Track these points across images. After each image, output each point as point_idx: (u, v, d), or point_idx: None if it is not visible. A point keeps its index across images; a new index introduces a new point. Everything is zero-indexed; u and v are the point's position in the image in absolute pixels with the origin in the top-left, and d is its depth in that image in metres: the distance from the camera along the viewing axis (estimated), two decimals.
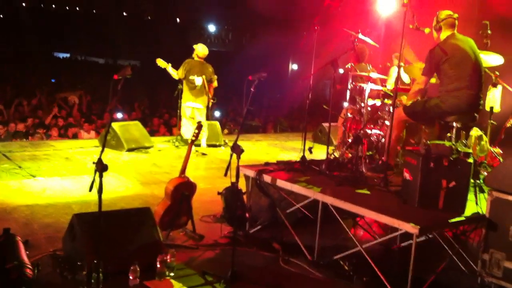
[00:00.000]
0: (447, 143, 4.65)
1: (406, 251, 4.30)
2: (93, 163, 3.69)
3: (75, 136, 11.22)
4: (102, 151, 3.83)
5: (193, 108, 9.11)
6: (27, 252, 4.06)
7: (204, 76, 9.03)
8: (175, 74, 9.07)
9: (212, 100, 9.29)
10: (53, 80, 22.82)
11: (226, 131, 12.76)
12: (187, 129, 9.17)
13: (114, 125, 9.01)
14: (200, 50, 9.14)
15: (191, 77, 8.96)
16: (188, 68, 8.98)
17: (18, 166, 7.33)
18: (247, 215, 5.12)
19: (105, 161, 3.65)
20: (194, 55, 9.15)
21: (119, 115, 12.43)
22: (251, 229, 5.40)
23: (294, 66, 27.16)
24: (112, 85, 4.15)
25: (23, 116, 12.28)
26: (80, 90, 16.25)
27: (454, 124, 5.24)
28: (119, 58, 35.23)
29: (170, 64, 9.05)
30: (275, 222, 5.37)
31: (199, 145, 9.17)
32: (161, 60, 9.03)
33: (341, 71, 7.03)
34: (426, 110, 5.39)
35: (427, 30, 5.64)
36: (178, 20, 39.38)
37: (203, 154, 9.04)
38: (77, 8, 41.37)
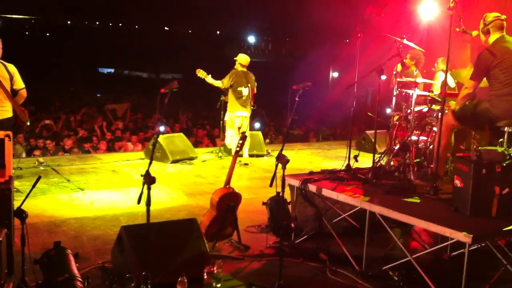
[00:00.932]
0: (499, 149, 4.49)
1: (458, 261, 4.17)
2: (141, 175, 3.71)
3: (121, 149, 11.45)
4: (150, 164, 3.86)
5: (242, 117, 9.15)
6: (77, 265, 4.12)
7: (249, 85, 9.10)
8: (218, 83, 9.12)
9: (252, 107, 9.32)
10: (98, 95, 23.42)
11: (267, 140, 12.76)
12: (232, 139, 9.19)
13: (159, 137, 9.12)
14: (243, 58, 9.21)
15: (239, 89, 9.03)
16: (236, 79, 9.04)
17: (66, 179, 7.50)
18: (292, 225, 5.07)
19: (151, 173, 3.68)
20: (237, 65, 9.20)
21: (162, 128, 12.59)
22: (296, 239, 5.35)
23: (335, 74, 27.02)
24: (159, 99, 4.18)
25: (71, 131, 12.61)
26: (126, 103, 16.61)
27: (506, 128, 5.06)
28: (162, 72, 35.88)
29: (210, 75, 9.13)
30: (320, 232, 5.30)
31: (241, 155, 9.19)
32: (201, 71, 9.11)
33: (383, 77, 6.92)
34: (476, 115, 5.23)
35: (474, 33, 5.50)
36: (218, 32, 39.84)
37: (245, 164, 9.05)
38: (120, 24, 42.40)
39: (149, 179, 3.63)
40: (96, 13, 38.90)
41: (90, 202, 6.45)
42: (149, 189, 3.64)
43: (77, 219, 5.76)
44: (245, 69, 9.21)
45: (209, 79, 9.13)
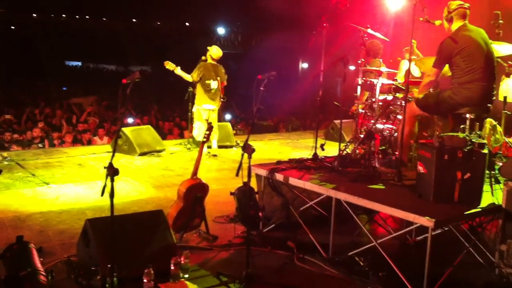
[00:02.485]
0: (461, 135, 4.57)
1: (422, 245, 4.24)
2: (104, 167, 3.68)
3: (89, 143, 11.30)
4: (113, 155, 3.83)
5: (209, 110, 9.09)
6: (41, 259, 4.06)
7: (219, 78, 9.04)
8: (187, 76, 9.04)
9: (222, 99, 9.28)
10: (64, 88, 23.02)
11: (234, 131, 12.76)
12: (200, 132, 9.14)
13: (126, 130, 9.03)
14: (215, 52, 9.11)
15: (207, 82, 8.95)
16: (204, 72, 8.96)
17: (31, 174, 7.37)
18: (260, 214, 5.08)
19: (117, 166, 3.64)
20: (207, 56, 9.12)
21: (130, 120, 12.47)
22: (264, 228, 5.37)
23: (304, 65, 27.15)
24: (121, 90, 4.12)
25: (35, 124, 12.38)
26: (93, 96, 16.38)
27: (468, 115, 5.16)
28: (130, 64, 35.43)
29: (179, 67, 9.05)
30: (289, 221, 5.33)
31: (210, 147, 9.17)
32: (169, 63, 9.03)
33: (352, 68, 6.97)
34: (439, 103, 5.32)
35: (437, 23, 5.57)
36: (187, 24, 39.52)
37: (214, 155, 9.03)
38: (87, 17, 41.68)
39: (112, 171, 3.59)
40: (62, 6, 38.13)
41: (55, 196, 6.35)
42: (112, 180, 3.60)
43: (43, 214, 5.67)
44: (214, 62, 9.13)
45: (178, 71, 9.04)
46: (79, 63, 39.49)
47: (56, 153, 9.03)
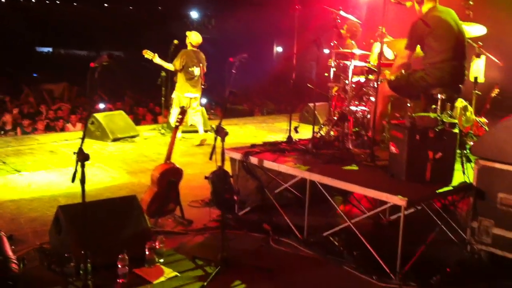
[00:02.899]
0: (432, 115, 4.62)
1: (396, 224, 4.29)
2: (74, 153, 3.62)
3: (62, 130, 11.13)
4: (83, 140, 3.77)
5: (190, 98, 8.99)
6: (13, 247, 4.00)
7: (201, 65, 8.94)
8: (167, 65, 8.88)
9: (203, 86, 9.19)
10: (35, 75, 22.57)
11: (208, 116, 12.71)
12: None
13: (99, 115, 8.89)
14: (194, 38, 8.97)
15: (190, 69, 8.83)
16: (187, 59, 8.82)
17: (2, 161, 7.22)
18: (235, 198, 5.07)
19: (90, 152, 3.60)
20: (187, 43, 9.00)
21: (102, 105, 12.30)
22: (240, 211, 5.37)
23: (279, 49, 27.10)
24: (89, 74, 4.06)
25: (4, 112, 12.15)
26: (64, 83, 16.10)
27: (439, 96, 5.21)
28: (102, 49, 34.85)
29: (156, 55, 8.91)
30: (264, 204, 5.34)
31: (196, 132, 9.07)
32: (148, 52, 8.87)
33: (326, 51, 6.95)
34: (410, 84, 5.35)
35: (408, 4, 5.59)
36: (159, 8, 39.02)
37: (202, 143, 8.91)
38: (57, 2, 40.80)
39: (82, 156, 3.53)
40: None
41: (27, 184, 6.24)
42: (83, 166, 3.55)
43: (14, 201, 5.58)
44: (194, 48, 9.01)
45: (157, 59, 8.88)
46: (50, 49, 38.70)
47: (28, 140, 8.85)
